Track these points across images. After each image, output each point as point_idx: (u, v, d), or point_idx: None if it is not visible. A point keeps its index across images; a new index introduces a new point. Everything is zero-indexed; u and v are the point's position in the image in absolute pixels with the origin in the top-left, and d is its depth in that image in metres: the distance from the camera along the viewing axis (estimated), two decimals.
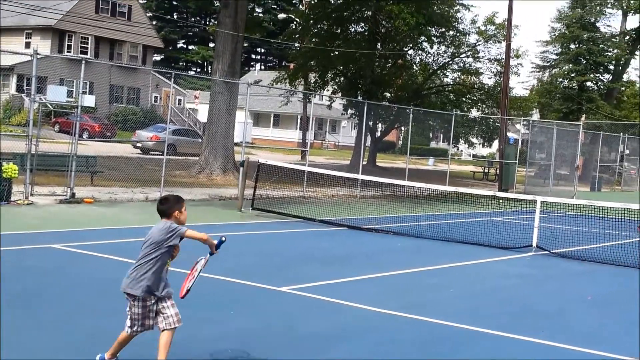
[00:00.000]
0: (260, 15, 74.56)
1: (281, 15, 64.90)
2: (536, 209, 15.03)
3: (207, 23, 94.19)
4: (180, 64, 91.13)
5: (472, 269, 12.45)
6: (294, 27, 46.44)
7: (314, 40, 38.45)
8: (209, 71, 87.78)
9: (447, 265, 12.46)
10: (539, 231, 14.71)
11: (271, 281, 9.80)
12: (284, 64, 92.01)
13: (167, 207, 5.86)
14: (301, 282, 9.86)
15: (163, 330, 5.75)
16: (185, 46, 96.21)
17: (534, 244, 14.46)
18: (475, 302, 9.77)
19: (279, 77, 40.39)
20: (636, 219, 20.13)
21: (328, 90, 43.36)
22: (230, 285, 9.55)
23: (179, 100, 64.00)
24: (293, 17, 56.67)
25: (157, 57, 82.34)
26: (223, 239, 5.96)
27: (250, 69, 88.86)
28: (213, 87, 26.84)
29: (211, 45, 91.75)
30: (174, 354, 6.01)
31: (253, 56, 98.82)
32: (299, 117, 66.23)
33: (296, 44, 43.16)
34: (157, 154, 31.40)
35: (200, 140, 36.01)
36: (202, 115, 60.36)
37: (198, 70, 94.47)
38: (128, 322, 5.77)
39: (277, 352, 6.86)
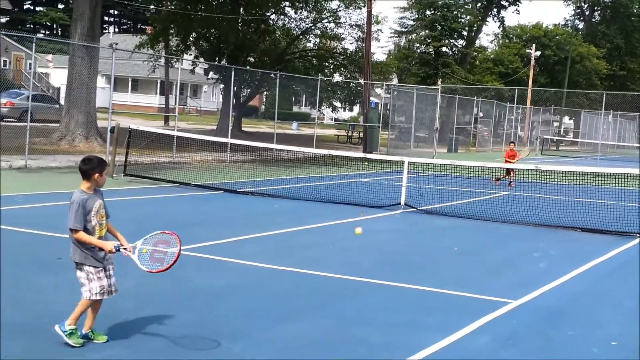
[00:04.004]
0: None
1: None
2: (404, 169, 15.84)
3: None
4: (28, 26, 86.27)
5: (348, 227, 13.02)
6: None
7: (174, 3, 37.73)
8: (58, 33, 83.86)
9: (324, 224, 12.99)
10: (406, 190, 15.54)
11: None
12: (139, 26, 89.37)
13: (89, 167, 5.93)
14: (188, 244, 10.01)
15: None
16: (32, 7, 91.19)
17: (403, 202, 15.28)
18: (354, 256, 10.37)
19: (142, 42, 39.40)
20: (488, 176, 21.63)
21: (190, 54, 42.81)
22: None
23: (29, 64, 60.93)
24: None
25: (2, 19, 77.65)
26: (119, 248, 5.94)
27: (104, 32, 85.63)
28: (72, 51, 25.85)
29: (60, 6, 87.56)
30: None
31: (106, 18, 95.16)
32: (158, 81, 64.86)
33: (151, 7, 42.14)
34: (12, 121, 29.98)
35: (57, 106, 34.66)
36: (55, 79, 57.83)
37: (47, 32, 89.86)
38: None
39: (176, 306, 7.11)
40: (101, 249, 5.87)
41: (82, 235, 5.81)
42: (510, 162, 21.13)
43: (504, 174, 21.33)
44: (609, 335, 7.14)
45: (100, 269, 5.93)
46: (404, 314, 7.49)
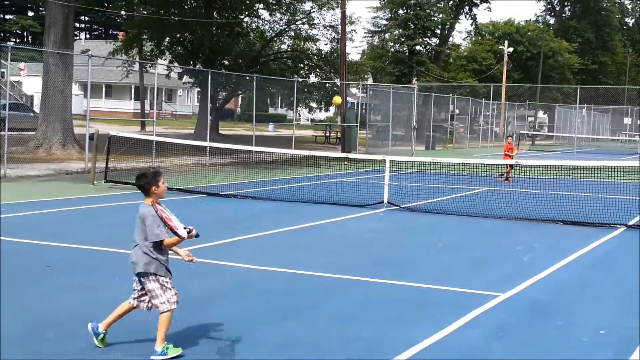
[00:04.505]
0: None
1: None
2: (385, 168, 15.94)
3: None
4: None
5: (332, 227, 13.13)
6: None
7: (149, 8, 37.56)
8: (29, 41, 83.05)
9: (309, 224, 13.06)
10: (388, 188, 15.65)
11: None
12: (110, 32, 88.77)
13: (145, 182, 6.05)
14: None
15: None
16: (2, 16, 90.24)
17: (385, 201, 15.39)
18: (342, 255, 10.46)
19: (116, 48, 39.25)
20: (468, 172, 21.83)
21: (165, 59, 42.66)
22: (107, 255, 9.62)
23: (2, 73, 60.34)
24: None
25: None
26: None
27: (76, 38, 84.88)
28: (46, 59, 25.70)
29: (30, 14, 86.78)
30: (79, 317, 6.11)
31: (77, 24, 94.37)
32: (132, 87, 64.56)
33: (123, 12, 41.97)
34: None
35: (31, 114, 34.40)
36: (27, 87, 57.25)
37: (18, 40, 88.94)
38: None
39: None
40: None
41: (168, 240, 5.98)
42: (510, 156, 21.38)
43: (509, 169, 21.42)
44: (597, 325, 7.26)
45: (170, 278, 6.13)
46: (394, 310, 7.57)
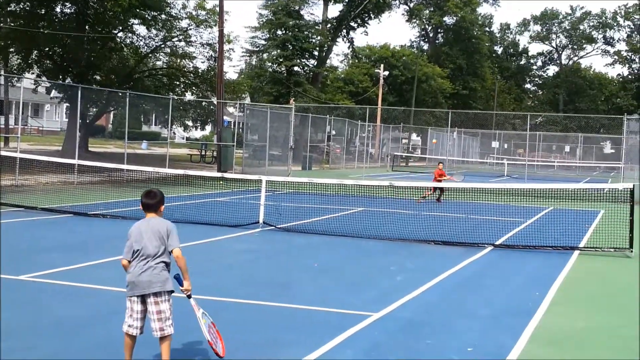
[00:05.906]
0: None
1: None
2: (262, 187, 15.82)
3: None
4: None
5: (207, 248, 12.86)
6: None
7: (17, 21, 35.84)
8: None
9: (181, 245, 12.63)
10: (264, 208, 15.52)
11: (7, 271, 9.33)
12: None
13: (157, 201, 5.99)
14: (40, 270, 9.55)
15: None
16: None
17: (261, 221, 15.25)
18: (216, 277, 10.22)
19: None
20: (344, 193, 22.07)
21: (33, 73, 40.85)
22: None
23: None
24: None
25: None
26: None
27: None
28: None
29: None
30: None
31: None
32: None
33: None
34: None
35: None
36: None
37: None
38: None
39: (35, 337, 6.71)
40: None
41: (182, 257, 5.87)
42: (439, 181, 22.37)
43: (429, 193, 22.32)
44: (464, 343, 7.41)
45: None
46: (268, 332, 7.44)
